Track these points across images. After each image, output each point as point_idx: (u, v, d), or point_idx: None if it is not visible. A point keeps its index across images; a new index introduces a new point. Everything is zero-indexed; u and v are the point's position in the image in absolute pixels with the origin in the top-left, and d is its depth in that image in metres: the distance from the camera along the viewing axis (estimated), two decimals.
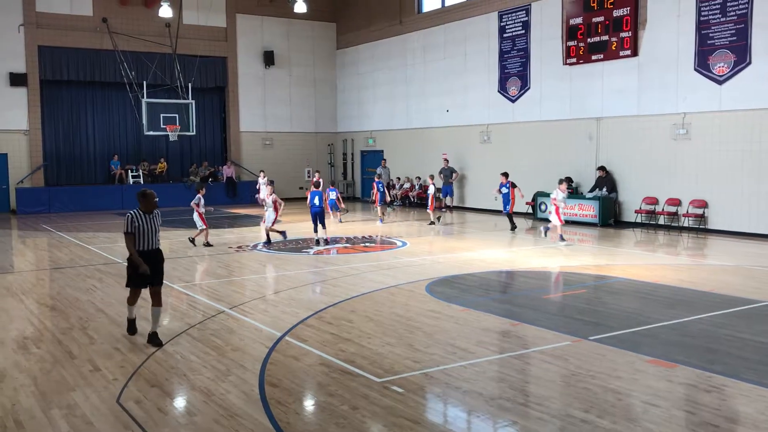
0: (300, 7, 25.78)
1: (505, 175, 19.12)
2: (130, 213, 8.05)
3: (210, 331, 8.72)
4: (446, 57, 26.23)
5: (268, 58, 30.86)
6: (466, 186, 25.80)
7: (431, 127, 27.08)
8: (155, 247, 8.19)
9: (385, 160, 28.69)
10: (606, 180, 20.20)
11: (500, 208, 23.65)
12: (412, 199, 27.68)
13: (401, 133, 28.82)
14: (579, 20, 20.87)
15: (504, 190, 19.09)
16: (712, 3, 17.67)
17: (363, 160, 31.79)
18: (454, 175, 25.17)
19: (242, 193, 29.15)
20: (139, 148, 29.22)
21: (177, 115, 26.41)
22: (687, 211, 18.41)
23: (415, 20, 27.77)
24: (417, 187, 27.55)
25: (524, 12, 22.87)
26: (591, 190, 20.45)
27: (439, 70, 26.56)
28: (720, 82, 17.66)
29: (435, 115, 26.88)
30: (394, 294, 10.99)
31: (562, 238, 16.39)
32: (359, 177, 32.07)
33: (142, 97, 25.80)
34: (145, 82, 26.45)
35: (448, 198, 25.13)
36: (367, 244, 16.83)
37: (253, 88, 30.85)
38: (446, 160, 25.20)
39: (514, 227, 19.22)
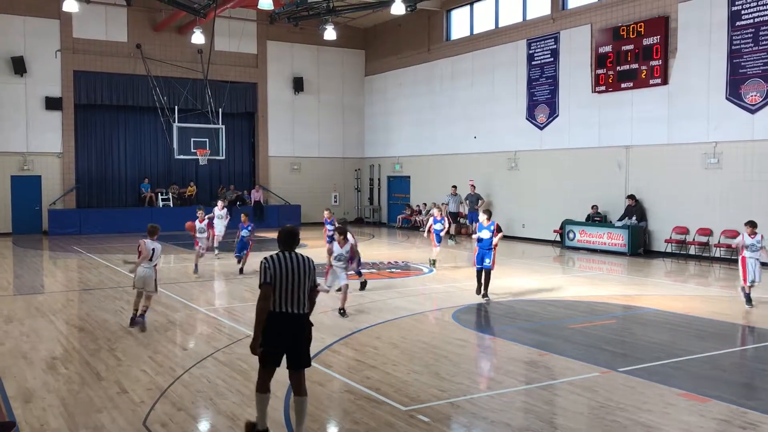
0: (330, 35, 26.09)
1: (486, 212, 13.42)
2: (268, 257, 5.76)
3: (236, 355, 8.72)
4: (474, 84, 26.31)
5: (298, 85, 31.22)
6: (493, 213, 25.63)
7: (458, 153, 27.09)
8: (300, 311, 5.80)
9: (455, 187, 25.55)
10: (635, 209, 19.98)
11: (529, 234, 23.53)
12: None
13: (428, 159, 28.85)
14: (608, 48, 20.82)
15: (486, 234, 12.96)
16: (744, 32, 17.53)
17: (389, 185, 31.86)
18: (480, 201, 25.07)
19: (270, 216, 29.33)
20: (169, 171, 29.61)
21: (207, 140, 26.75)
22: (719, 242, 18.11)
23: (443, 47, 27.94)
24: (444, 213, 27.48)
25: (553, 40, 22.89)
26: (620, 219, 20.22)
27: (467, 96, 26.62)
28: (752, 111, 17.45)
29: (462, 141, 26.89)
30: (420, 321, 10.92)
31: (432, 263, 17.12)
32: (386, 202, 32.12)
33: (174, 121, 26.19)
34: (176, 107, 26.87)
35: (474, 225, 25.00)
36: (392, 270, 16.79)
37: (282, 114, 31.19)
38: (473, 187, 25.15)
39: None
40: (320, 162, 32.07)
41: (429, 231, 17.56)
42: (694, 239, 18.72)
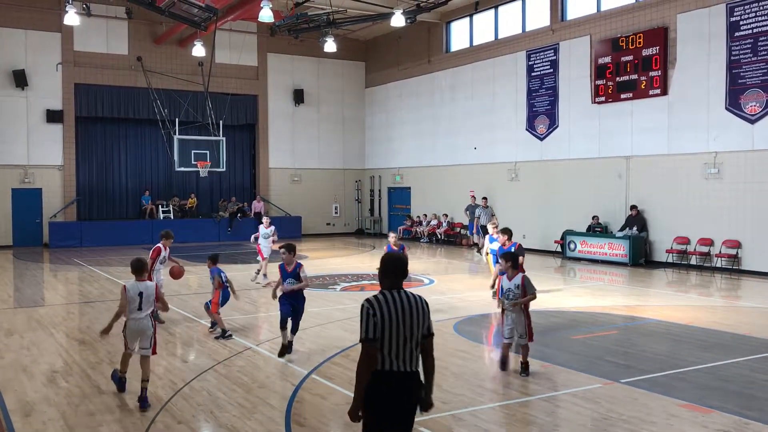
0: (330, 47, 26.17)
1: (506, 232, 12.64)
2: (372, 300, 4.31)
3: (236, 367, 8.70)
4: (474, 95, 26.37)
5: (298, 96, 31.31)
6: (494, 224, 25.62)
7: (459, 164, 27.12)
8: (412, 368, 4.39)
9: (486, 199, 24.14)
10: (636, 219, 19.97)
11: (530, 245, 23.44)
12: (439, 236, 27.60)
13: (429, 170, 28.88)
14: (608, 59, 20.89)
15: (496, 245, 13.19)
16: (743, 42, 17.59)
17: (390, 196, 31.87)
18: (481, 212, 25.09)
19: None
20: (170, 183, 29.64)
21: (208, 152, 26.80)
22: (720, 252, 18.09)
23: (444, 59, 28.03)
24: (445, 224, 27.50)
25: (552, 51, 22.97)
26: (621, 229, 20.21)
27: (467, 108, 26.69)
28: (752, 122, 17.48)
29: (463, 152, 26.93)
30: None
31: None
32: (386, 214, 32.13)
33: (174, 133, 26.24)
34: (177, 119, 26.94)
35: (475, 236, 25.03)
36: None
37: (283, 126, 31.26)
38: (473, 197, 25.17)
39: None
40: (321, 173, 32.10)
41: (487, 254, 14.69)
42: (695, 249, 18.70)
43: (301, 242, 28.07)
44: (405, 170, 30.48)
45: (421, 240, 28.10)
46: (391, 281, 4.41)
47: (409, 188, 30.35)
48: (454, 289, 15.46)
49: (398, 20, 22.45)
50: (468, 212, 25.25)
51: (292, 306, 9.24)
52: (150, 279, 9.55)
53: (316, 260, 21.55)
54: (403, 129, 30.41)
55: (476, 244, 23.33)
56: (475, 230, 23.91)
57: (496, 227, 14.06)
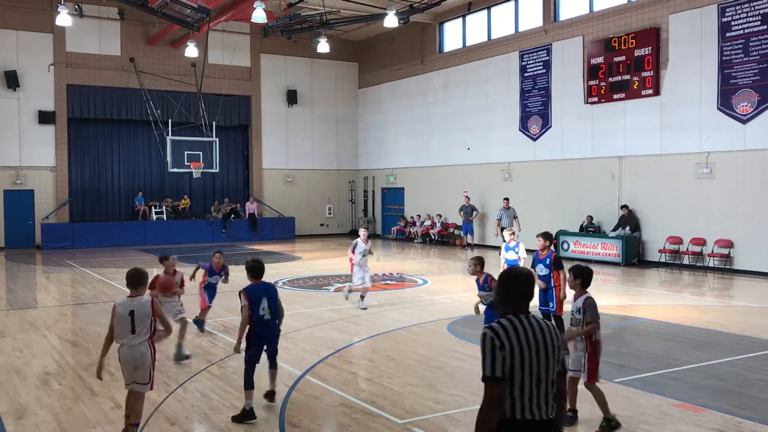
0: (323, 48, 26.18)
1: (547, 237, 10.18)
2: (496, 328, 3.45)
3: (230, 368, 8.68)
4: (467, 95, 26.40)
5: (291, 97, 31.28)
6: (488, 224, 25.69)
7: (452, 164, 27.15)
8: (548, 415, 3.52)
9: (507, 199, 22.81)
10: (629, 219, 20.03)
11: (524, 245, 23.40)
12: (433, 237, 27.62)
13: (422, 171, 28.90)
14: (600, 60, 20.94)
15: (542, 270, 9.96)
16: (735, 42, 17.67)
17: (384, 197, 31.88)
18: (474, 213, 25.14)
19: (263, 229, 29.28)
20: (163, 184, 29.57)
21: (201, 153, 26.75)
22: (712, 251, 18.16)
23: (437, 59, 28.05)
24: (438, 224, 27.52)
25: (545, 51, 23.01)
26: (614, 229, 20.27)
27: (461, 108, 26.72)
28: (744, 122, 17.56)
29: (456, 152, 26.96)
30: (415, 333, 10.90)
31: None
32: (380, 214, 32.13)
33: (167, 134, 26.18)
34: (170, 120, 26.85)
35: (468, 236, 25.08)
36: (387, 282, 16.77)
37: (276, 126, 31.22)
38: (467, 198, 25.21)
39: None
40: (314, 174, 32.07)
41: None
42: (687, 249, 18.76)
43: (295, 243, 28.05)
44: (398, 171, 30.49)
45: (415, 240, 28.12)
46: (514, 304, 3.55)
47: (403, 189, 30.36)
48: (448, 290, 15.46)
49: (391, 21, 22.47)
50: (462, 213, 25.29)
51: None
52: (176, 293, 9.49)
53: (309, 261, 21.54)
54: (397, 129, 30.43)
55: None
56: (496, 232, 21.91)
57: (513, 234, 12.27)
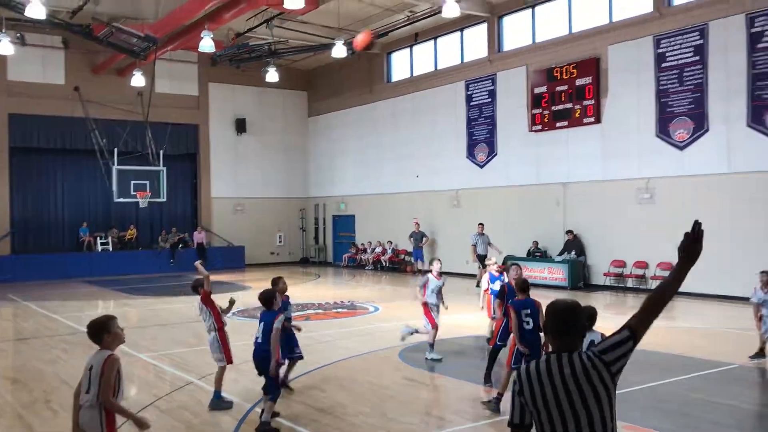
0: (271, 77, 26.25)
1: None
2: (520, 370, 3.25)
3: (178, 402, 8.52)
4: (415, 124, 26.76)
5: (240, 126, 31.18)
6: (437, 250, 25.90)
7: (402, 192, 27.38)
8: None
9: (482, 225, 21.89)
10: (574, 243, 20.49)
11: (473, 271, 23.69)
12: (384, 264, 27.69)
13: (373, 198, 29.05)
14: (543, 89, 21.53)
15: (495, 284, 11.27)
16: (670, 73, 18.41)
17: (335, 224, 31.88)
18: (424, 239, 25.37)
19: (212, 258, 28.85)
20: (109, 215, 28.96)
21: (147, 182, 26.34)
22: (655, 274, 18.69)
23: (385, 89, 28.40)
24: (389, 251, 27.62)
25: (490, 81, 23.55)
26: (560, 254, 20.70)
27: (409, 136, 27.04)
28: (681, 148, 18.24)
29: (405, 180, 27.21)
30: (367, 361, 10.88)
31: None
32: (331, 242, 32.10)
33: (113, 164, 25.74)
34: (116, 150, 26.44)
35: (419, 262, 25.25)
36: (338, 310, 16.73)
37: (225, 155, 31.03)
38: (417, 225, 25.42)
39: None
40: (264, 202, 31.91)
41: (486, 292, 11.87)
42: (631, 272, 19.28)
43: (245, 272, 27.75)
44: (349, 198, 30.58)
45: (366, 267, 28.16)
46: (557, 340, 3.18)
47: (354, 216, 30.44)
48: (399, 317, 15.49)
49: (339, 51, 22.73)
50: (412, 239, 25.48)
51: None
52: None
53: (259, 290, 21.30)
54: (347, 157, 30.58)
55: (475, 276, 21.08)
56: (473, 258, 21.71)
57: (497, 264, 11.95)
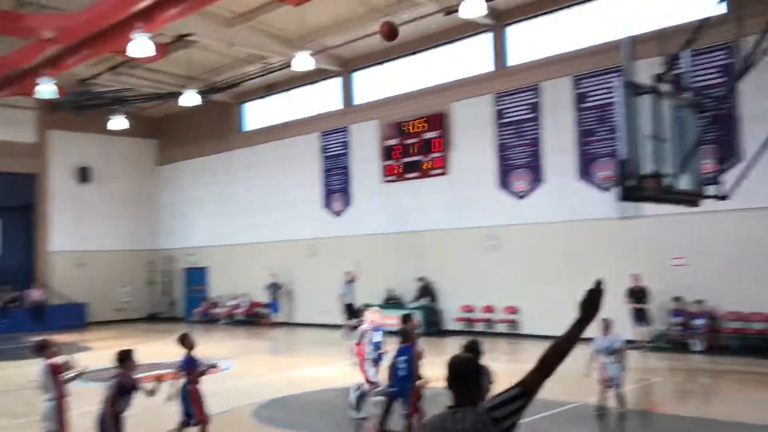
0: (118, 125, 25.27)
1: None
2: (424, 422, 3.64)
3: None
4: (271, 174, 26.65)
5: (84, 175, 29.56)
6: (295, 301, 25.72)
7: (257, 242, 27.00)
8: None
9: (349, 273, 21.47)
10: (426, 290, 21.10)
11: (333, 321, 23.63)
12: (239, 317, 26.96)
13: (227, 249, 28.40)
14: (394, 141, 22.28)
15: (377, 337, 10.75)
16: (509, 128, 19.72)
17: (186, 277, 30.77)
18: (280, 290, 25.11)
19: (51, 317, 26.83)
20: None
21: None
22: (501, 318, 19.60)
23: (239, 138, 28.16)
24: (245, 303, 26.98)
25: (344, 133, 24.06)
26: (413, 300, 21.22)
27: (265, 186, 26.86)
28: (520, 198, 19.46)
29: (261, 230, 26.88)
30: (216, 423, 10.49)
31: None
32: (182, 296, 30.89)
33: None
34: None
35: (275, 314, 24.92)
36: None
37: (66, 205, 29.21)
38: (273, 275, 25.12)
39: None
40: (109, 255, 30.22)
41: (358, 347, 10.82)
42: (479, 316, 20.09)
43: (87, 331, 25.98)
44: (202, 249, 29.70)
45: (220, 322, 27.30)
46: (454, 395, 3.28)
47: (206, 268, 29.57)
48: (254, 372, 15.15)
49: (190, 99, 22.35)
50: (268, 290, 25.11)
51: None
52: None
53: (104, 350, 20.00)
54: (200, 207, 29.80)
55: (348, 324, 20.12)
56: (344, 310, 21.09)
57: (378, 313, 11.45)
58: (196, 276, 30.06)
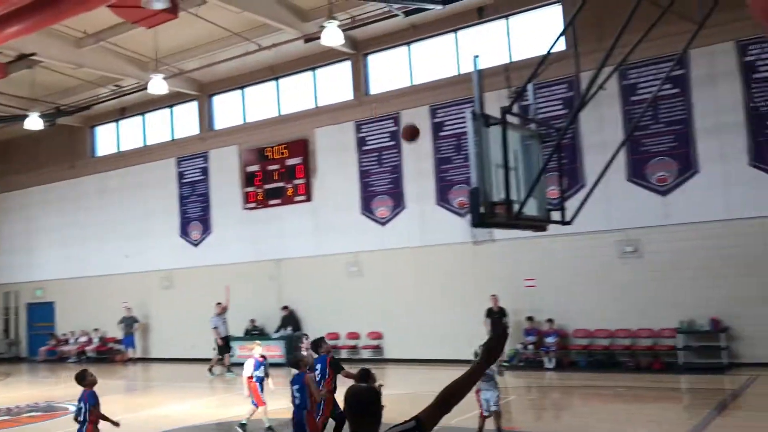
0: None
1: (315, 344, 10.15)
2: None
3: None
4: (124, 201, 25.35)
5: None
6: (151, 335, 24.47)
7: (110, 274, 25.47)
8: None
9: (220, 304, 20.04)
10: (290, 319, 20.80)
11: (196, 355, 22.60)
12: (90, 354, 25.27)
13: (76, 282, 26.57)
14: (256, 167, 21.92)
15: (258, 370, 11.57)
16: (371, 155, 19.99)
17: (30, 313, 28.46)
18: (135, 324, 23.83)
19: None
20: None
21: None
22: (365, 344, 19.66)
23: (90, 164, 26.62)
24: (96, 340, 25.33)
25: (202, 158, 23.38)
26: (277, 330, 20.83)
27: (118, 214, 25.47)
28: (383, 224, 19.73)
29: (114, 261, 25.40)
30: None
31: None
32: (25, 333, 28.52)
33: None
34: None
35: (130, 350, 23.61)
36: (32, 414, 14.79)
37: None
38: (128, 309, 23.81)
39: None
40: None
41: (250, 378, 11.58)
42: (344, 343, 20.04)
43: None
44: (48, 283, 27.60)
45: (69, 360, 25.44)
46: (351, 424, 3.32)
47: (54, 303, 27.52)
48: (107, 412, 14.14)
49: (35, 123, 20.93)
50: (122, 325, 23.77)
51: None
52: None
53: None
54: (46, 238, 27.73)
55: (220, 359, 19.61)
56: (220, 343, 19.61)
57: (260, 347, 12.17)
58: (42, 311, 27.86)
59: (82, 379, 8.06)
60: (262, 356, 11.71)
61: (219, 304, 20.01)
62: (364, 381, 8.35)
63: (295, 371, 8.68)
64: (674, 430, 9.79)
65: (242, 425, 11.24)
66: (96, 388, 8.35)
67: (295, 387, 8.43)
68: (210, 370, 19.14)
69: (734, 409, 11.75)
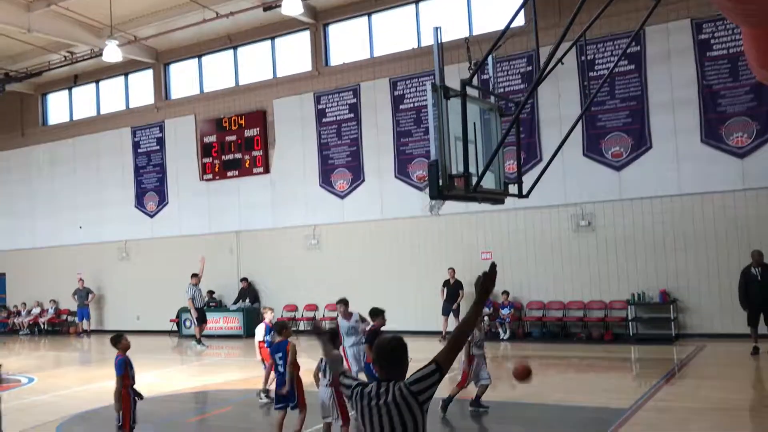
0: None
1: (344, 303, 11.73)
2: (354, 386, 3.87)
3: None
4: (77, 171, 24.78)
5: None
6: (105, 307, 24.14)
7: (63, 245, 24.97)
8: None
9: (196, 275, 18.75)
10: (248, 291, 20.72)
11: (145, 327, 22.40)
12: (43, 326, 24.84)
13: (27, 254, 25.99)
14: (213, 138, 21.62)
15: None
16: (330, 127, 19.88)
17: None
18: (90, 296, 23.46)
19: None
20: None
21: None
22: (323, 315, 19.73)
23: (40, 132, 25.90)
24: (51, 311, 24.86)
25: (158, 128, 22.95)
26: (235, 302, 20.75)
27: (70, 184, 24.90)
28: (341, 197, 19.70)
29: (67, 232, 24.90)
30: None
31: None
32: None
33: None
34: None
35: (85, 321, 23.25)
36: None
37: None
38: (81, 281, 23.41)
39: None
40: None
41: (260, 348, 11.51)
42: (302, 315, 20.09)
43: None
44: None
45: (21, 333, 24.97)
46: (382, 371, 3.76)
47: (4, 274, 26.90)
48: (60, 386, 13.99)
49: None
50: (76, 297, 23.37)
51: None
52: None
53: None
54: None
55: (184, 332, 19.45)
56: (195, 315, 18.49)
57: (272, 312, 11.90)
58: None
59: (117, 342, 7.87)
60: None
61: (195, 275, 18.98)
62: (279, 333, 8.44)
63: (279, 339, 8.48)
64: (625, 398, 10.11)
65: (265, 391, 10.93)
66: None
67: (278, 354, 8.34)
68: (199, 341, 18.46)
69: (681, 377, 12.17)
